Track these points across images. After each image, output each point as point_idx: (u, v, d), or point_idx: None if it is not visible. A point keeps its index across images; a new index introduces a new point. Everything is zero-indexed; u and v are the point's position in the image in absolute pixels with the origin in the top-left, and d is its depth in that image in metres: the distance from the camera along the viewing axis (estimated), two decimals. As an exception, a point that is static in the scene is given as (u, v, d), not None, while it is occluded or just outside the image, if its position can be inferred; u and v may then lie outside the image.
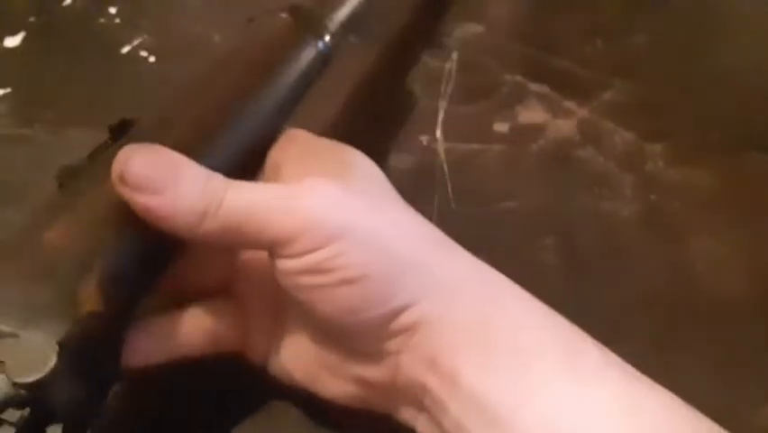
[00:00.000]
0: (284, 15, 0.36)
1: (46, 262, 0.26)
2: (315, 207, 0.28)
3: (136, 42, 0.52)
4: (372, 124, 0.45)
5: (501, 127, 0.47)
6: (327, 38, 0.36)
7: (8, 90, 0.48)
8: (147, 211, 0.27)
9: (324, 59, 0.36)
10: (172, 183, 0.27)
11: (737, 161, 0.45)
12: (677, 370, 0.30)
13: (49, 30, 0.53)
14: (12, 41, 0.52)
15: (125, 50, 0.51)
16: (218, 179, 0.28)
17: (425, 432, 0.29)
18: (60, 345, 0.24)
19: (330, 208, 0.28)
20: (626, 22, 0.54)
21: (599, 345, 0.28)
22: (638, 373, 0.27)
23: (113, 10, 0.54)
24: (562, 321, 0.28)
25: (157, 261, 0.30)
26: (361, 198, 0.29)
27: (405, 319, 0.28)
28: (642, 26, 0.54)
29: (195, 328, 0.31)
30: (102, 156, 0.30)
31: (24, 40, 0.52)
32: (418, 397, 0.29)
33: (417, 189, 0.41)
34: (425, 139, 0.46)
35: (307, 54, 0.35)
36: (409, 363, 0.28)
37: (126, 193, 0.27)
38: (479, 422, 0.26)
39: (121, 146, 0.29)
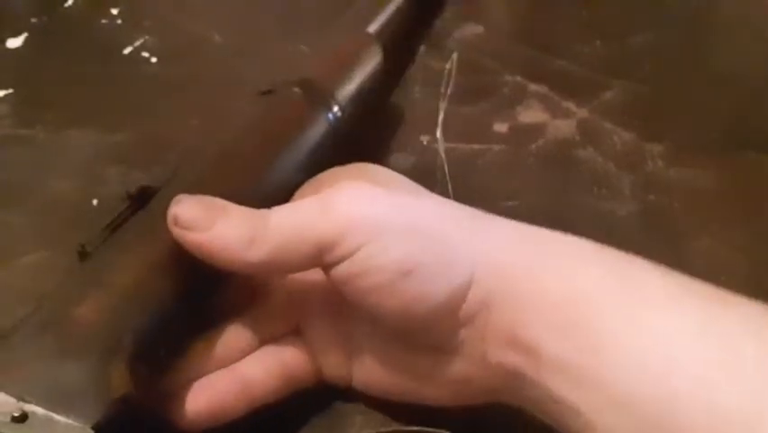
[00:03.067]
0: (296, 90, 0.38)
1: (77, 340, 0.26)
2: (351, 205, 0.29)
3: (138, 43, 0.52)
4: (373, 125, 0.45)
5: (501, 127, 0.47)
6: (336, 109, 0.38)
7: (9, 91, 0.49)
8: (200, 247, 0.28)
9: (335, 131, 0.38)
10: (219, 219, 0.28)
11: (737, 161, 0.45)
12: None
13: (50, 31, 0.53)
14: (13, 42, 0.52)
15: (127, 51, 0.51)
16: (260, 210, 0.29)
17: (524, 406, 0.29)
18: (95, 429, 0.24)
19: (365, 205, 0.29)
20: (626, 22, 0.55)
21: (658, 268, 0.28)
22: (707, 289, 0.27)
23: (114, 11, 0.54)
24: (611, 252, 0.29)
25: (186, 334, 0.30)
26: (393, 191, 0.31)
27: (472, 301, 0.28)
28: (641, 27, 0.54)
29: (268, 375, 0.31)
30: (126, 226, 0.30)
31: (26, 41, 0.52)
32: (509, 379, 0.28)
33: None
34: (425, 139, 0.46)
35: (319, 128, 0.37)
36: (492, 348, 0.28)
37: (179, 234, 0.28)
38: (571, 387, 0.26)
39: (144, 215, 0.30)
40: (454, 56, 0.51)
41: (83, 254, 0.30)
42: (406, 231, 0.28)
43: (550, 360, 0.27)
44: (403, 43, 0.50)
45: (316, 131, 0.37)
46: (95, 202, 0.42)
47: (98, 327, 0.27)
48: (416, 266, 0.28)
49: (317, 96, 0.38)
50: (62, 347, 0.26)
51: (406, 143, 0.46)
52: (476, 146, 0.46)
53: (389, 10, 0.47)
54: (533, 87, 0.49)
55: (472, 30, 0.53)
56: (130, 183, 0.43)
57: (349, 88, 0.40)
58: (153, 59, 0.51)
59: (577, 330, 0.26)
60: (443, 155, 0.45)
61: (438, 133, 0.46)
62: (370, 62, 0.43)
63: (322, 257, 0.28)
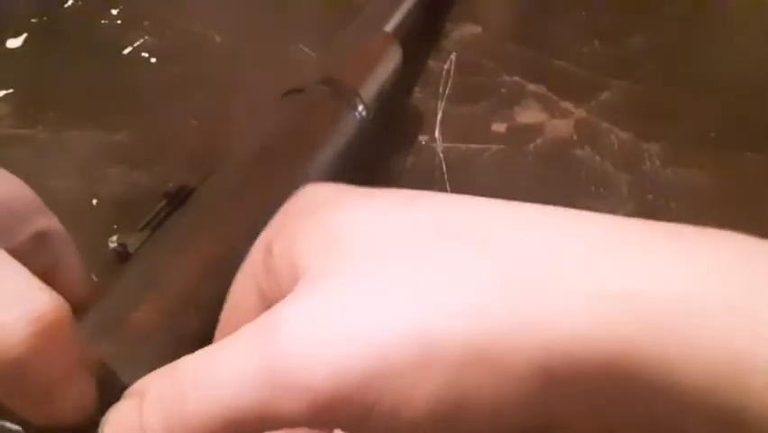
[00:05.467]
0: (325, 89, 0.38)
1: (135, 344, 0.26)
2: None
3: (137, 43, 0.52)
4: (372, 125, 0.46)
5: (499, 127, 0.47)
6: (361, 108, 0.39)
7: (10, 91, 0.49)
8: None
9: (361, 129, 0.38)
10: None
11: (734, 160, 0.45)
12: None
13: (50, 31, 0.53)
14: (14, 42, 0.52)
15: (127, 51, 0.51)
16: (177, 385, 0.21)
17: None
18: None
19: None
20: (624, 23, 0.55)
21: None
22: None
23: (114, 11, 0.54)
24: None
25: None
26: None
27: None
28: (639, 27, 0.54)
29: None
30: (166, 225, 0.30)
31: (26, 41, 0.52)
32: None
33: (416, 189, 0.41)
34: (423, 139, 0.46)
35: (350, 126, 0.38)
36: None
37: None
38: None
39: (184, 215, 0.29)
40: (453, 56, 0.51)
41: (123, 255, 0.29)
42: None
43: None
44: (419, 42, 0.50)
45: (348, 129, 0.37)
46: (95, 202, 0.42)
47: (158, 332, 0.26)
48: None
49: (345, 94, 0.38)
50: (121, 352, 0.26)
51: (404, 143, 0.46)
52: (474, 146, 0.46)
53: (404, 9, 0.47)
54: (531, 87, 0.49)
55: (471, 30, 0.53)
56: (130, 183, 0.44)
57: (373, 87, 0.40)
58: (153, 60, 0.51)
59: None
60: (441, 155, 0.45)
61: (436, 133, 0.46)
62: (392, 61, 0.43)
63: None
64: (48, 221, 0.28)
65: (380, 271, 0.19)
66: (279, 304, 0.20)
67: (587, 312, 0.18)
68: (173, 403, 0.20)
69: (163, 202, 0.31)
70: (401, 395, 0.18)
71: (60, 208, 0.42)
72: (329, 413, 0.18)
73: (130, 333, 0.26)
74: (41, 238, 0.26)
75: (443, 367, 0.18)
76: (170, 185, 0.31)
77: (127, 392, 0.22)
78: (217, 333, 0.25)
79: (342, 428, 0.21)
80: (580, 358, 0.18)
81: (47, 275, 0.25)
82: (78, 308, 0.26)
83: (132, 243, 0.29)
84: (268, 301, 0.22)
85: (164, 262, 0.28)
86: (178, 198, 0.31)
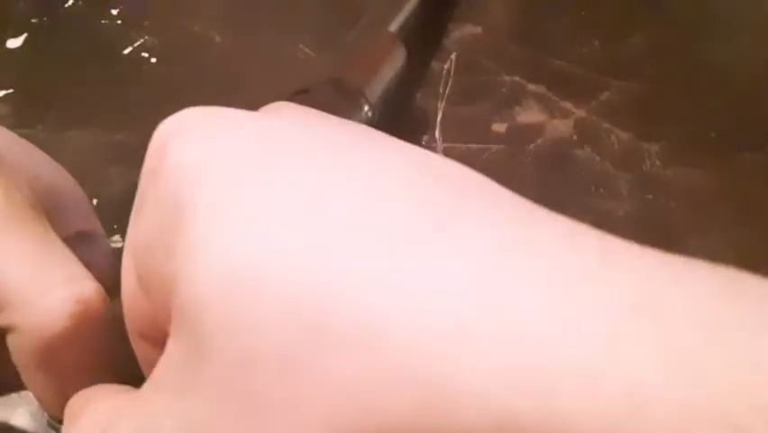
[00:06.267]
0: (330, 89, 0.38)
1: None
2: None
3: (138, 43, 0.52)
4: (376, 125, 0.46)
5: (499, 127, 0.47)
6: (367, 108, 0.39)
7: (10, 91, 0.49)
8: None
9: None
10: None
11: (734, 161, 0.45)
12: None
13: (50, 31, 0.53)
14: (13, 43, 0.52)
15: (127, 51, 0.52)
16: None
17: None
18: None
19: None
20: (624, 23, 0.55)
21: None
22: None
23: (114, 11, 0.54)
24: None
25: None
26: None
27: None
28: (639, 27, 0.54)
29: None
30: None
31: (26, 41, 0.52)
32: None
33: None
34: (423, 139, 0.46)
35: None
36: None
37: None
38: None
39: None
40: (453, 56, 0.51)
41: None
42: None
43: None
44: (423, 41, 0.50)
45: None
46: (95, 202, 0.42)
47: None
48: None
49: (350, 95, 0.39)
50: (127, 355, 0.26)
51: (404, 143, 0.46)
52: (474, 146, 0.46)
53: (408, 9, 0.47)
54: (531, 87, 0.49)
55: (471, 30, 0.53)
56: (130, 183, 0.44)
57: (378, 88, 0.41)
58: (153, 60, 0.51)
59: None
60: (441, 155, 0.45)
61: (436, 133, 0.46)
62: (397, 62, 0.43)
63: None
64: (92, 224, 0.29)
65: (238, 398, 0.15)
66: (149, 409, 0.17)
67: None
68: None
69: None
70: None
71: (60, 208, 0.42)
72: None
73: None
74: (83, 238, 0.26)
75: None
76: None
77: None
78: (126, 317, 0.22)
79: None
80: None
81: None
82: None
83: None
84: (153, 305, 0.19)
85: None
86: None
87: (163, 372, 0.17)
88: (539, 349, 0.13)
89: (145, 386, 0.18)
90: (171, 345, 0.16)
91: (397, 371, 0.13)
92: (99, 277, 0.26)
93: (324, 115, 0.20)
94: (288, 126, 0.18)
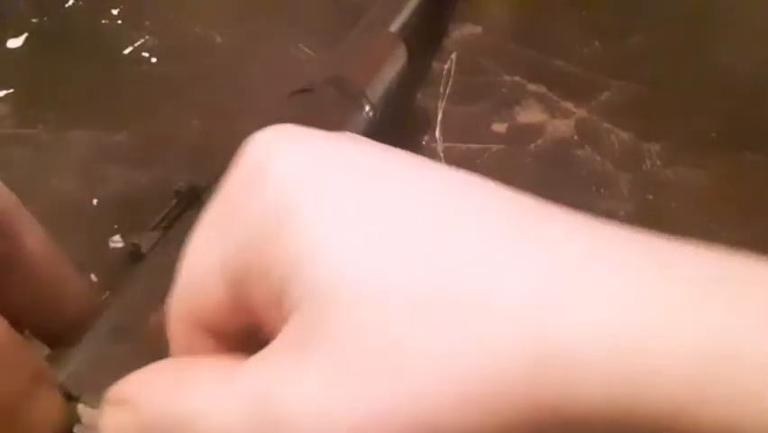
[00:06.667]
0: (332, 90, 0.38)
1: (155, 347, 0.25)
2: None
3: (138, 43, 0.52)
4: (378, 125, 0.46)
5: (500, 127, 0.47)
6: (368, 108, 0.39)
7: (10, 91, 0.49)
8: None
9: (367, 131, 0.38)
10: None
11: (734, 161, 0.45)
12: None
13: (51, 31, 0.53)
14: (14, 43, 0.52)
15: (127, 51, 0.51)
16: None
17: None
18: None
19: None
20: (624, 23, 0.55)
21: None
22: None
23: (114, 11, 0.54)
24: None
25: None
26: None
27: None
28: (639, 27, 0.54)
29: None
30: (179, 225, 0.30)
31: (27, 41, 0.52)
32: None
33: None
34: (424, 139, 0.46)
35: (357, 128, 0.38)
36: None
37: None
38: None
39: (197, 214, 0.28)
40: (453, 56, 0.51)
41: (136, 255, 0.29)
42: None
43: None
44: (424, 42, 0.50)
45: (355, 129, 0.37)
46: (95, 202, 0.42)
47: None
48: None
49: (352, 95, 0.39)
50: (140, 354, 0.24)
51: (405, 143, 0.45)
52: (474, 146, 0.46)
53: (409, 9, 0.47)
54: (531, 87, 0.49)
55: (471, 30, 0.53)
56: (130, 183, 0.44)
57: (379, 87, 0.41)
58: (153, 59, 0.51)
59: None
60: (441, 155, 0.45)
61: (437, 133, 0.46)
62: (398, 62, 0.43)
63: None
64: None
65: (372, 348, 0.18)
66: (268, 375, 0.19)
67: (523, 368, 0.17)
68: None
69: (174, 201, 0.30)
70: None
71: (61, 208, 0.42)
72: None
73: (149, 334, 0.26)
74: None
75: None
76: (181, 184, 0.31)
77: (113, 399, 0.21)
78: (178, 300, 0.23)
79: None
80: (518, 412, 0.17)
81: (5, 257, 0.24)
82: (57, 295, 0.26)
83: (145, 243, 0.29)
84: (236, 291, 0.21)
85: (178, 265, 0.28)
86: (190, 198, 0.31)
87: (287, 338, 0.19)
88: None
89: (258, 358, 0.19)
90: (293, 317, 0.19)
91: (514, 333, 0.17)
92: (31, 257, 0.25)
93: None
94: (368, 147, 0.22)
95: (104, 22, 0.54)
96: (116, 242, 0.40)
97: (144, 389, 0.21)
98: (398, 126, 0.47)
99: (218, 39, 0.53)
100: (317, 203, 0.19)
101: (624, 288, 0.17)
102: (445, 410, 0.17)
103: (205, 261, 0.22)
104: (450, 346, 0.17)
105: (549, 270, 0.18)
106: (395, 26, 0.46)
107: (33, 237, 0.25)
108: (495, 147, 0.46)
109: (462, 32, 0.53)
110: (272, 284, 0.19)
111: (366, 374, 0.17)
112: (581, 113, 0.48)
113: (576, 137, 0.46)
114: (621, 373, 0.16)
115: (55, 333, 0.26)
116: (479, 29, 0.54)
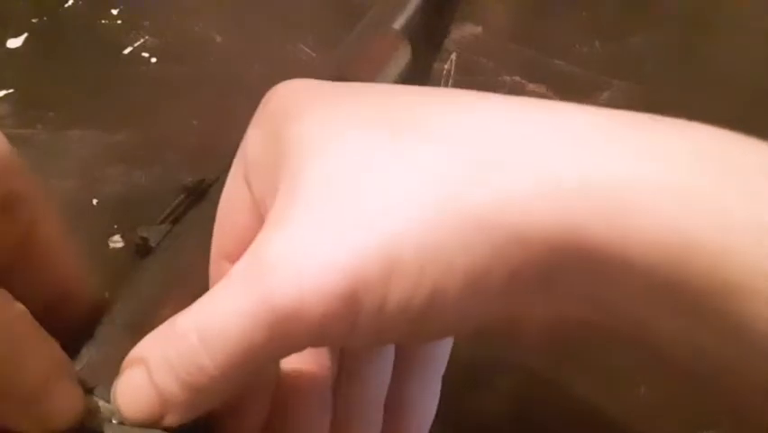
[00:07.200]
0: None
1: None
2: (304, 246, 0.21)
3: (138, 44, 0.52)
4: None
5: (500, 127, 0.47)
6: None
7: (10, 91, 0.49)
8: None
9: None
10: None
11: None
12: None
13: (50, 31, 0.53)
14: (14, 43, 0.52)
15: (127, 51, 0.51)
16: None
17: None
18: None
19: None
20: (624, 23, 0.55)
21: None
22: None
23: (114, 11, 0.54)
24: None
25: None
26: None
27: None
28: (640, 27, 0.54)
29: None
30: (186, 219, 0.30)
31: (26, 41, 0.52)
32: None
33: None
34: (424, 139, 0.46)
35: None
36: None
37: None
38: None
39: (205, 209, 0.29)
40: (453, 56, 0.51)
41: (145, 248, 0.29)
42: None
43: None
44: (427, 40, 0.50)
45: None
46: (95, 202, 0.42)
47: None
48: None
49: None
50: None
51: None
52: (475, 146, 0.46)
53: (411, 8, 0.47)
54: (531, 87, 0.49)
55: (471, 30, 0.53)
56: (130, 183, 0.44)
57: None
58: (153, 60, 0.51)
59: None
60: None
61: (437, 133, 0.46)
62: (401, 60, 0.43)
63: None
64: (20, 182, 0.24)
65: (342, 195, 0.21)
66: (260, 238, 0.22)
67: (537, 195, 0.19)
68: (183, 364, 0.21)
69: (182, 196, 0.30)
70: (377, 304, 0.20)
71: (60, 208, 0.42)
72: (325, 332, 0.21)
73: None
74: (11, 202, 0.24)
75: (407, 273, 0.20)
76: (189, 179, 0.31)
77: (127, 361, 0.23)
78: (214, 241, 0.26)
79: (335, 343, 0.23)
80: (534, 240, 0.19)
81: (20, 245, 0.24)
82: (69, 290, 0.26)
83: (154, 236, 0.29)
84: (257, 200, 0.24)
85: (189, 259, 0.28)
86: (197, 192, 0.31)
87: (269, 218, 0.22)
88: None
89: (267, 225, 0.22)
90: (276, 196, 0.22)
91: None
92: (45, 246, 0.25)
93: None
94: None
95: (103, 22, 0.54)
96: (116, 242, 0.40)
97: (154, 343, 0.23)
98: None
99: (218, 39, 0.53)
100: (305, 107, 0.23)
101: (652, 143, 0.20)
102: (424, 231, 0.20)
103: (232, 192, 0.25)
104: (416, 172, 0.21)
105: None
106: (398, 24, 0.45)
107: (50, 226, 0.25)
108: (495, 147, 0.46)
109: (462, 31, 0.53)
110: (268, 173, 0.23)
111: (333, 214, 0.21)
112: (581, 113, 0.48)
113: (576, 137, 0.46)
114: (673, 218, 0.19)
115: (63, 328, 0.26)
116: (479, 29, 0.54)
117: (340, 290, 0.20)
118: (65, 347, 0.24)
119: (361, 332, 0.21)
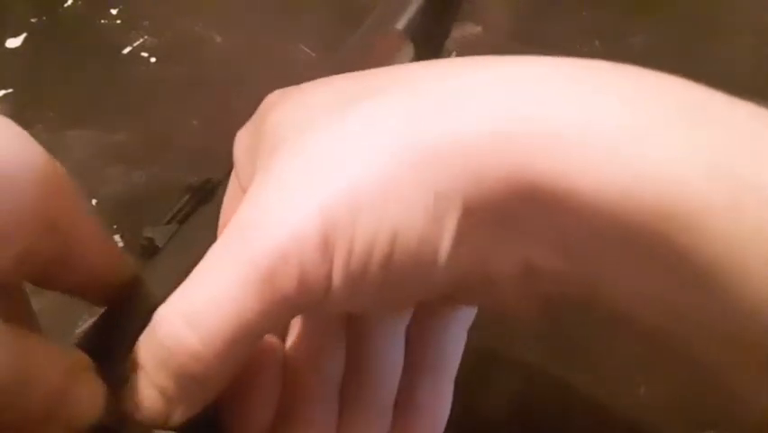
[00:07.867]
0: None
1: None
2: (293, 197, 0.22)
3: (137, 43, 0.52)
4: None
5: (500, 127, 0.47)
6: None
7: (9, 91, 0.49)
8: None
9: None
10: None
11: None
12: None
13: (50, 31, 0.53)
14: (13, 42, 0.52)
15: (126, 50, 0.52)
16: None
17: None
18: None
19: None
20: (625, 23, 0.55)
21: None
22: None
23: (114, 11, 0.54)
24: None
25: None
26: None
27: None
28: (640, 28, 0.54)
29: None
30: (193, 220, 0.30)
31: (25, 41, 0.52)
32: None
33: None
34: (424, 139, 0.46)
35: None
36: None
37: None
38: None
39: (211, 209, 0.29)
40: (453, 56, 0.51)
41: (151, 249, 0.29)
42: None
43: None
44: (428, 40, 0.50)
45: None
46: (95, 202, 0.42)
47: None
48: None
49: None
50: None
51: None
52: (475, 146, 0.46)
53: (413, 9, 0.47)
54: (531, 87, 0.49)
55: (471, 30, 0.53)
56: (130, 183, 0.44)
57: None
58: (153, 59, 0.51)
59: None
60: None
61: (437, 133, 0.46)
62: (403, 60, 0.43)
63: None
64: (67, 204, 0.24)
65: (310, 157, 0.22)
66: (236, 214, 0.22)
67: (490, 133, 0.20)
68: (174, 355, 0.21)
69: (187, 196, 0.30)
70: (346, 248, 0.21)
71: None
72: (307, 287, 0.21)
73: None
74: (56, 221, 0.23)
75: (370, 212, 0.21)
76: (195, 179, 0.31)
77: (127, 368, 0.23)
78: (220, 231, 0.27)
79: (317, 302, 0.22)
80: (488, 178, 0.20)
81: (59, 261, 0.24)
82: (112, 281, 0.26)
83: (160, 237, 0.29)
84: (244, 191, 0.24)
85: (196, 259, 0.28)
86: (203, 192, 0.31)
87: (258, 176, 0.23)
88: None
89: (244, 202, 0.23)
90: (258, 168, 0.23)
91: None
92: (86, 255, 0.25)
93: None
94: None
95: (103, 22, 0.54)
96: (116, 242, 0.40)
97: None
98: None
99: (218, 39, 0.53)
100: (283, 99, 0.24)
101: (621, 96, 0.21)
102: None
103: (231, 192, 0.27)
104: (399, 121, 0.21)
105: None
106: (400, 24, 0.45)
107: (86, 224, 0.25)
108: (495, 147, 0.46)
109: (462, 31, 0.53)
110: (250, 163, 0.24)
111: (303, 176, 0.21)
112: (581, 113, 0.48)
113: (576, 137, 0.46)
114: (618, 165, 0.19)
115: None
116: (478, 28, 0.54)
117: (314, 231, 0.21)
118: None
119: (337, 284, 0.21)
